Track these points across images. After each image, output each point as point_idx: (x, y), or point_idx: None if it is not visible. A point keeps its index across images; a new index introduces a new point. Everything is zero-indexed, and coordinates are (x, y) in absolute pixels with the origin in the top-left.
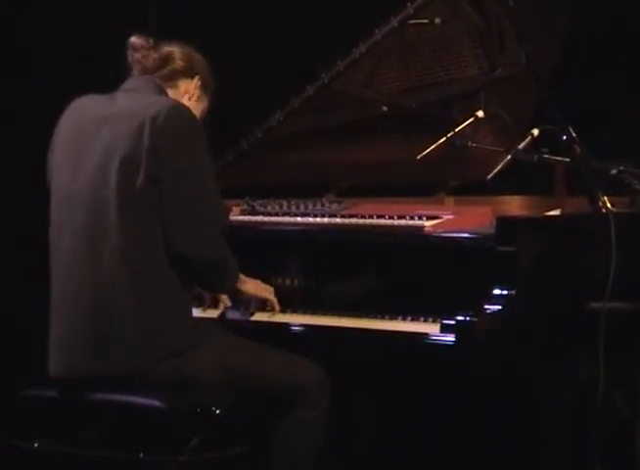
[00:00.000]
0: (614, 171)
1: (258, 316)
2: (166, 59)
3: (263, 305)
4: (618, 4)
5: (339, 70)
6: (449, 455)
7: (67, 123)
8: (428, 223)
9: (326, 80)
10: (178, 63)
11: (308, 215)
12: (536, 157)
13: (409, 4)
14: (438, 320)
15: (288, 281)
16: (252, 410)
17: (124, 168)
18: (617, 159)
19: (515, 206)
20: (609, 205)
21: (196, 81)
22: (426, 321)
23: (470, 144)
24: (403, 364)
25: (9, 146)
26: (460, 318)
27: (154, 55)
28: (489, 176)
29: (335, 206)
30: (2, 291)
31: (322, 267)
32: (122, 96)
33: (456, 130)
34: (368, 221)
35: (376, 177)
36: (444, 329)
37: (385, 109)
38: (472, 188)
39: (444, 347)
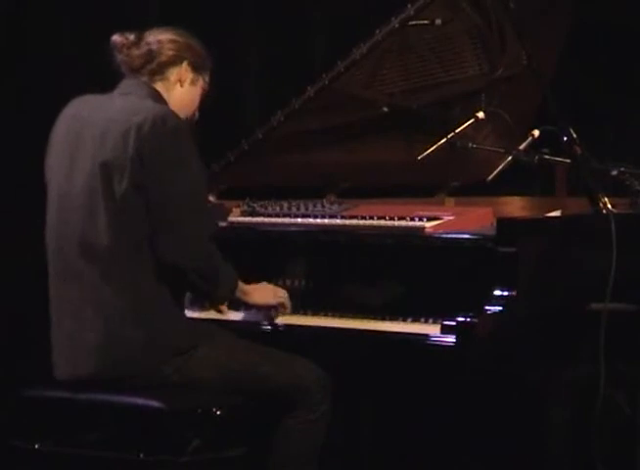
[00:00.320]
0: (614, 172)
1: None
2: (150, 53)
3: (277, 311)
4: (619, 4)
5: (339, 71)
6: (450, 456)
7: (63, 125)
8: (428, 224)
9: (326, 81)
10: (164, 55)
11: (309, 216)
12: (537, 157)
13: (410, 5)
14: (439, 321)
15: (288, 282)
16: (253, 411)
17: (109, 174)
18: (617, 159)
19: (515, 206)
20: (609, 206)
21: (185, 66)
22: (426, 322)
23: (470, 145)
24: (404, 365)
25: (9, 146)
26: (461, 319)
27: (136, 52)
28: (490, 177)
29: (335, 207)
30: (2, 291)
31: (322, 268)
32: (117, 99)
33: (457, 131)
34: (368, 222)
35: (376, 178)
36: (445, 330)
37: (385, 109)
38: (472, 189)
39: (445, 347)
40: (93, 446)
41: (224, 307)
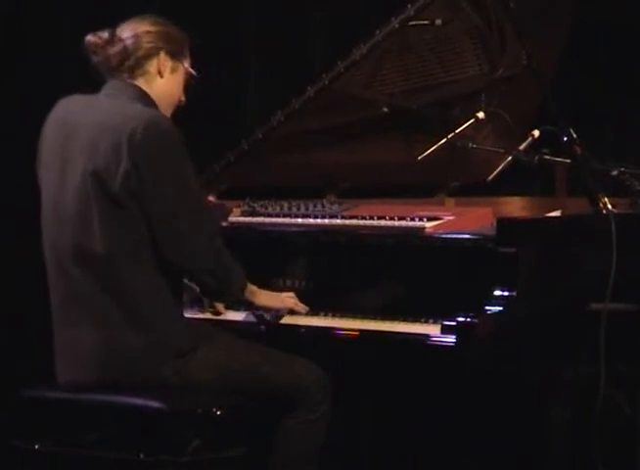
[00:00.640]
0: (614, 172)
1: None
2: (126, 49)
3: (284, 312)
4: (619, 4)
5: (339, 71)
6: (450, 456)
7: (52, 129)
8: (428, 224)
9: (326, 81)
10: (140, 49)
11: (309, 217)
12: (537, 158)
13: (410, 5)
14: (439, 321)
15: (288, 282)
16: (253, 411)
17: (101, 182)
18: (617, 160)
19: (516, 207)
20: (609, 206)
21: (163, 56)
22: (426, 322)
23: (470, 145)
24: (404, 365)
25: (9, 146)
26: (461, 319)
27: (112, 50)
28: (490, 177)
29: (335, 207)
30: (2, 291)
31: (322, 269)
32: (106, 101)
33: (457, 131)
34: (369, 222)
35: (376, 178)
36: (445, 330)
37: (385, 110)
38: (472, 189)
39: (445, 348)
40: (93, 446)
41: (222, 308)
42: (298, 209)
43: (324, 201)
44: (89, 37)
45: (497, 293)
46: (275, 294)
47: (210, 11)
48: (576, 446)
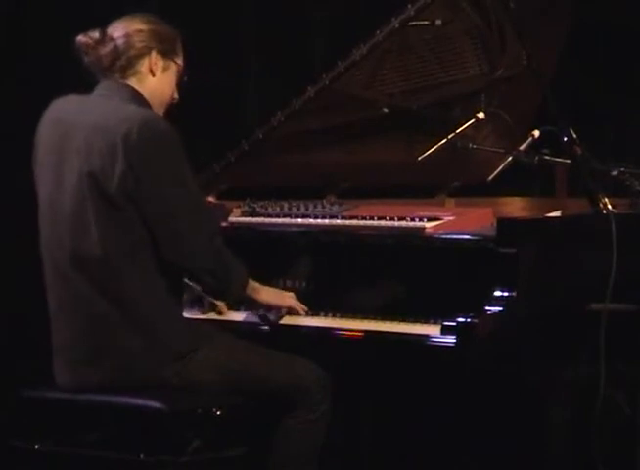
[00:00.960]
0: (614, 173)
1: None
2: (117, 49)
3: (284, 313)
4: (619, 4)
5: (339, 72)
6: (450, 456)
7: (47, 130)
8: (428, 225)
9: (327, 81)
10: (131, 48)
11: (309, 217)
12: (537, 158)
13: (410, 5)
14: (439, 322)
15: (288, 283)
16: (253, 411)
17: (97, 184)
18: (617, 160)
19: (516, 207)
20: (609, 206)
21: (154, 55)
22: (426, 323)
23: (471, 145)
24: (404, 365)
25: (9, 146)
26: (461, 320)
27: (103, 50)
28: (490, 178)
29: (335, 207)
30: (2, 291)
31: (322, 269)
32: (100, 102)
33: (457, 131)
34: (369, 223)
35: (376, 178)
36: (445, 330)
37: (385, 110)
38: (473, 189)
39: (445, 348)
40: (93, 446)
41: (224, 309)
42: (299, 209)
43: (324, 201)
44: (80, 38)
45: (497, 293)
46: (277, 290)
47: (210, 11)
48: (576, 446)
